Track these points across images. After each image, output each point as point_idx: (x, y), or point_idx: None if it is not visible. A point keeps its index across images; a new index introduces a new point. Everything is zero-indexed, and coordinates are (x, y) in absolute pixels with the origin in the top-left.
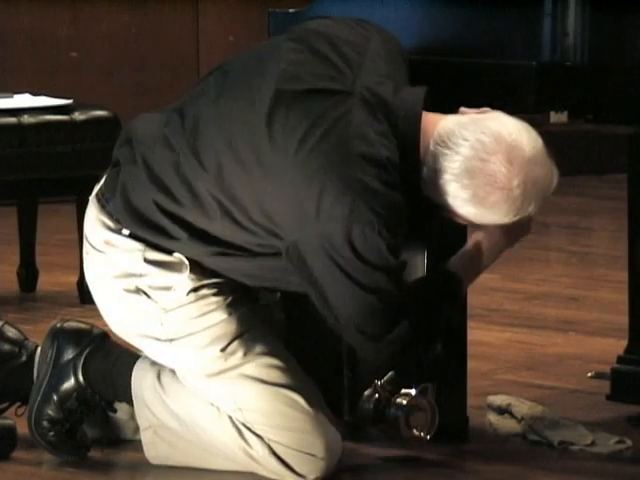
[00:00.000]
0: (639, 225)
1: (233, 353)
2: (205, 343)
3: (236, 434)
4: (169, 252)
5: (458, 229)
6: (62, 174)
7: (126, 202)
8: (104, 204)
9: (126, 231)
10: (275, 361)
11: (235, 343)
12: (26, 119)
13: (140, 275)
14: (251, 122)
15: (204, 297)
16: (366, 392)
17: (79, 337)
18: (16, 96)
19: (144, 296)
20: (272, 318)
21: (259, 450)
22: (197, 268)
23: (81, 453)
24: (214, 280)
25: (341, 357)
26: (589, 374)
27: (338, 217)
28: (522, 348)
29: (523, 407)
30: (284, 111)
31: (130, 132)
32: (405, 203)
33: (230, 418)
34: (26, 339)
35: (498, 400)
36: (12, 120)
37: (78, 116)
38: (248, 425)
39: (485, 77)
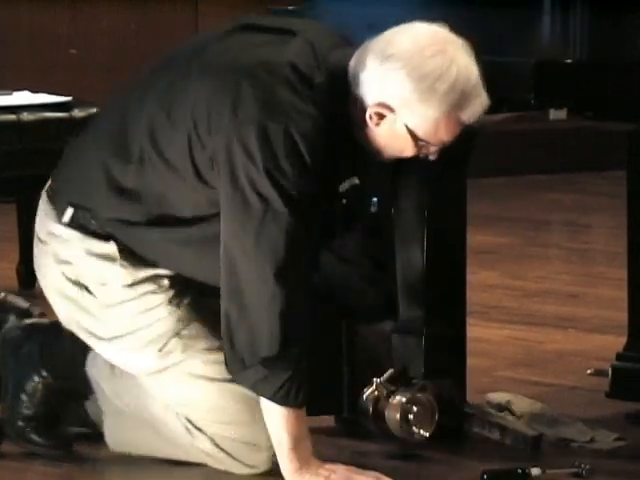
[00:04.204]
0: (638, 222)
1: (171, 352)
2: (143, 343)
3: (183, 428)
4: (106, 239)
5: (457, 229)
6: None
7: (65, 166)
8: (49, 192)
9: (67, 219)
10: (214, 356)
11: (173, 341)
12: (25, 116)
13: (78, 264)
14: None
15: (144, 294)
16: (365, 389)
17: (30, 332)
18: (15, 93)
19: (85, 292)
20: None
21: (205, 443)
22: (131, 257)
23: (65, 447)
24: (152, 272)
25: (340, 354)
26: (588, 371)
27: (251, 115)
28: (521, 345)
29: (522, 404)
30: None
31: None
32: (324, 125)
33: (176, 413)
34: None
35: (497, 397)
36: (11, 117)
37: (77, 113)
38: (192, 420)
39: (484, 74)
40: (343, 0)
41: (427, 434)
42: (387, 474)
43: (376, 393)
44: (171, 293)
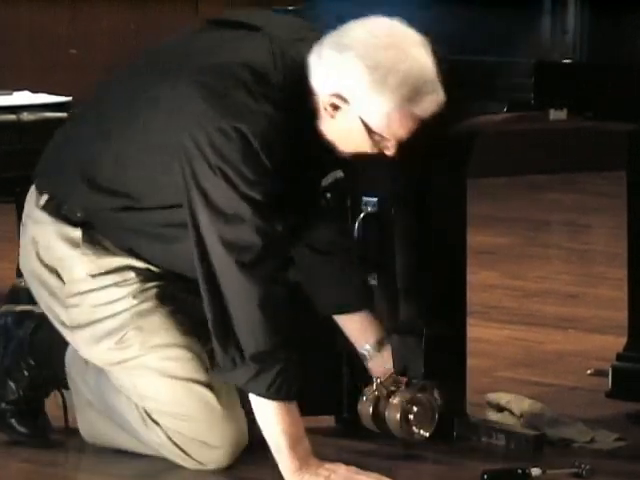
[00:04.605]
0: (638, 222)
1: (129, 346)
2: (102, 334)
3: (140, 419)
4: (75, 225)
5: (457, 229)
6: None
7: (48, 153)
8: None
9: (42, 202)
10: (173, 353)
11: (131, 335)
12: (25, 116)
13: (50, 247)
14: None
15: (107, 286)
16: (365, 389)
17: (22, 318)
18: (15, 93)
19: (56, 276)
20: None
21: (159, 435)
22: (95, 246)
23: (43, 437)
24: (118, 264)
25: (340, 355)
26: (588, 371)
27: (206, 118)
28: (521, 345)
29: (522, 404)
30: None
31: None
32: (283, 124)
33: (135, 404)
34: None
35: (497, 397)
36: (11, 117)
37: None
38: (148, 411)
39: (484, 74)
40: (343, 0)
41: (427, 434)
42: (387, 474)
43: (376, 393)
44: (135, 287)
